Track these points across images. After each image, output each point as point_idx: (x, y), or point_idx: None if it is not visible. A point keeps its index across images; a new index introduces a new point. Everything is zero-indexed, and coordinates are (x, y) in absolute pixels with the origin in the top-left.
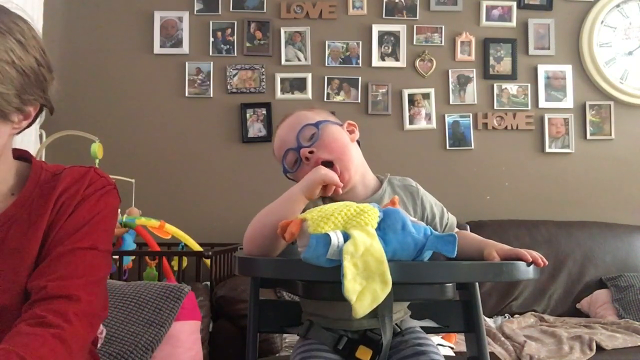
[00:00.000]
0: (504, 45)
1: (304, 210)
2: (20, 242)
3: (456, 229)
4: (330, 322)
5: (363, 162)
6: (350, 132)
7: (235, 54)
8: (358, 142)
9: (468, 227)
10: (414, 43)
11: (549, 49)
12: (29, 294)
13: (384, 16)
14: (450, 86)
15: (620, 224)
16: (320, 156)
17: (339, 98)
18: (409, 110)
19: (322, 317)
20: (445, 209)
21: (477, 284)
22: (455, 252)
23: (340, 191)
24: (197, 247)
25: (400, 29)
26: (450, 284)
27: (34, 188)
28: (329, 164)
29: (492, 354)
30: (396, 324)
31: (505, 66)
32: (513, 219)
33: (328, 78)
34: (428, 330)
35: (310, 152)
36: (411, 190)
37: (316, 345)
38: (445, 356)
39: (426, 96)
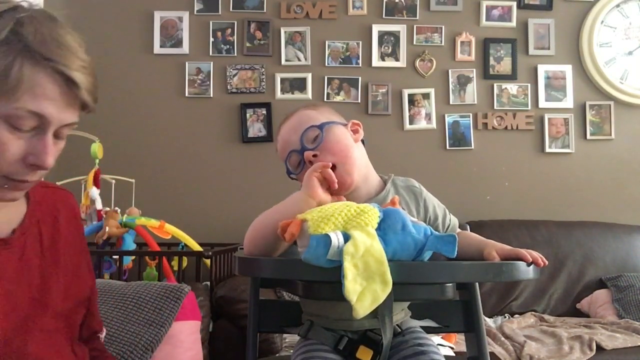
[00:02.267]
0: (504, 45)
1: None
2: (41, 263)
3: (458, 230)
4: (331, 322)
5: (367, 162)
6: (355, 131)
7: (235, 54)
8: (362, 141)
9: (468, 227)
10: (414, 43)
11: (549, 49)
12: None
13: (384, 16)
14: (450, 86)
15: (620, 224)
16: (323, 160)
17: (339, 98)
18: (409, 110)
19: (322, 317)
20: (447, 211)
21: (477, 284)
22: (456, 253)
23: (336, 186)
24: (197, 247)
25: (400, 29)
26: (450, 284)
27: (34, 199)
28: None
29: (492, 354)
30: (397, 325)
31: (505, 66)
32: (513, 219)
33: (328, 78)
34: (428, 330)
35: (314, 156)
36: (414, 191)
37: (317, 346)
38: (445, 356)
39: (426, 96)
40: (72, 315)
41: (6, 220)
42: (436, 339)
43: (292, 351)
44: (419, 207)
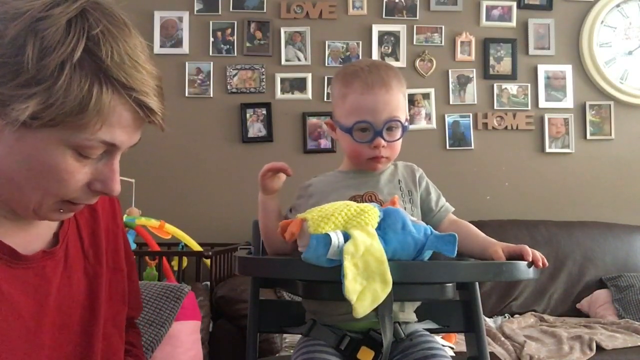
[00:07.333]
0: (504, 45)
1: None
2: (85, 264)
3: (452, 215)
4: (334, 318)
5: None
6: None
7: (235, 54)
8: None
9: None
10: (414, 43)
11: (549, 49)
12: None
13: (384, 16)
14: (450, 86)
15: (620, 224)
16: (384, 155)
17: None
18: (409, 110)
19: (325, 315)
20: (442, 196)
21: (477, 284)
22: (455, 252)
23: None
24: (197, 247)
25: (400, 29)
26: (450, 284)
27: None
28: None
29: (492, 354)
30: (407, 323)
31: (505, 66)
32: (513, 219)
33: (328, 78)
34: (428, 330)
35: (383, 147)
36: (412, 168)
37: (318, 346)
38: None
39: (426, 96)
40: (117, 315)
41: (46, 225)
42: (436, 339)
43: (292, 351)
44: (414, 178)
